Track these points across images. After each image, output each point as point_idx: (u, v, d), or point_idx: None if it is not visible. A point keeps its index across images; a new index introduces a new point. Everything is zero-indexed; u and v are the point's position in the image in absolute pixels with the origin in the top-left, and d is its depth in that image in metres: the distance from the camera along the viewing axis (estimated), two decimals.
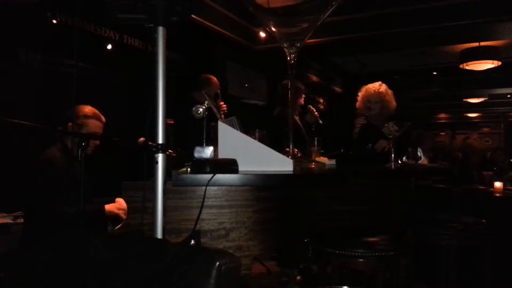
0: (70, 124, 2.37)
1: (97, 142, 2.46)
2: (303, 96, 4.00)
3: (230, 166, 1.51)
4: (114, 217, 2.32)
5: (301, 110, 4.01)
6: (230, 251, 1.47)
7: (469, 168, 4.32)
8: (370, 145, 3.14)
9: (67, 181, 2.27)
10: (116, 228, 2.27)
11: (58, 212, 2.17)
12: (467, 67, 7.32)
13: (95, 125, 2.46)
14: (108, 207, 2.33)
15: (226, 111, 3.80)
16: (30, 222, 2.38)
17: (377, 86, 3.33)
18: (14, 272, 1.16)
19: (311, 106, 3.96)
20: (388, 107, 3.31)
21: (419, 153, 3.44)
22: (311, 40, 3.14)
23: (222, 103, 3.84)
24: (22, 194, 2.52)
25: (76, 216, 2.09)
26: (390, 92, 3.35)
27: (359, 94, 3.41)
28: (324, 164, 2.20)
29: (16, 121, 1.26)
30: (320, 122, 3.80)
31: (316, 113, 3.87)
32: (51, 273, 1.14)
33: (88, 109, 2.46)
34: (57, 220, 2.17)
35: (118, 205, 2.35)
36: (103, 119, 2.53)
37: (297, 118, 3.86)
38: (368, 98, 3.31)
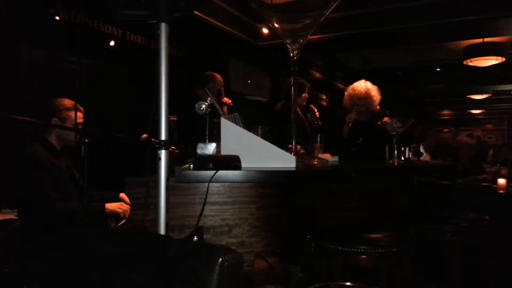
0: (54, 119, 2.35)
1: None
2: (307, 96, 4.01)
3: (232, 162, 1.51)
4: (116, 216, 2.32)
5: (303, 106, 4.01)
6: (233, 247, 1.47)
7: (463, 163, 4.35)
8: (360, 139, 3.26)
9: (53, 176, 2.26)
10: (119, 224, 2.28)
11: (49, 207, 2.17)
12: (470, 64, 7.29)
13: (77, 116, 2.39)
14: (110, 206, 2.33)
15: (231, 104, 3.79)
16: (24, 219, 2.38)
17: (363, 83, 3.47)
18: (18, 268, 1.17)
19: (312, 106, 3.95)
20: (375, 102, 3.45)
21: (421, 150, 3.45)
22: (314, 36, 3.14)
23: (226, 98, 3.84)
24: (14, 191, 2.51)
25: (74, 213, 2.10)
26: (375, 87, 3.48)
27: (346, 94, 3.56)
28: (327, 160, 2.20)
29: (15, 116, 1.26)
30: (320, 123, 3.81)
31: (317, 113, 3.87)
32: (55, 269, 1.15)
33: (67, 101, 2.42)
34: (49, 215, 2.16)
35: (120, 204, 2.35)
36: (82, 108, 2.47)
37: (300, 113, 3.88)
38: (357, 96, 3.44)
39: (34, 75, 3.81)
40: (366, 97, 3.41)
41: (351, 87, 3.55)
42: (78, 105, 2.43)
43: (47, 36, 3.82)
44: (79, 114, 2.45)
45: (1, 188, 3.25)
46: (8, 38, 3.53)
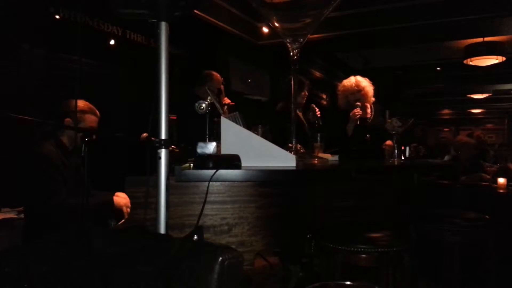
0: (67, 119, 2.35)
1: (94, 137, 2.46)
2: (306, 93, 3.96)
3: (233, 161, 1.51)
4: (119, 211, 2.33)
5: (303, 104, 3.97)
6: (233, 246, 1.47)
7: (462, 162, 4.38)
8: (368, 136, 3.23)
9: (63, 175, 2.27)
10: (119, 223, 2.28)
11: (60, 205, 2.17)
12: (471, 63, 7.29)
13: (91, 120, 2.43)
14: (117, 200, 2.34)
15: (232, 104, 3.77)
16: (30, 217, 2.39)
17: (352, 78, 3.47)
18: (18, 267, 1.17)
19: (314, 105, 3.92)
20: (369, 93, 3.42)
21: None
22: (314, 36, 3.13)
23: (226, 98, 3.82)
24: (21, 190, 2.52)
25: (79, 209, 2.10)
26: (366, 79, 3.47)
27: (338, 92, 3.55)
28: (327, 160, 2.20)
29: (19, 116, 1.27)
30: (321, 123, 3.79)
31: (318, 113, 3.84)
32: (55, 267, 1.15)
33: (83, 103, 2.42)
34: (59, 213, 2.17)
35: (127, 201, 2.34)
36: (98, 113, 2.50)
37: (300, 114, 3.85)
38: (349, 91, 3.42)
39: (34, 75, 3.81)
40: (358, 90, 3.37)
41: (341, 84, 3.53)
42: (95, 109, 2.48)
43: (46, 35, 3.82)
44: (95, 118, 2.47)
45: (3, 188, 3.26)
46: (7, 37, 3.53)
